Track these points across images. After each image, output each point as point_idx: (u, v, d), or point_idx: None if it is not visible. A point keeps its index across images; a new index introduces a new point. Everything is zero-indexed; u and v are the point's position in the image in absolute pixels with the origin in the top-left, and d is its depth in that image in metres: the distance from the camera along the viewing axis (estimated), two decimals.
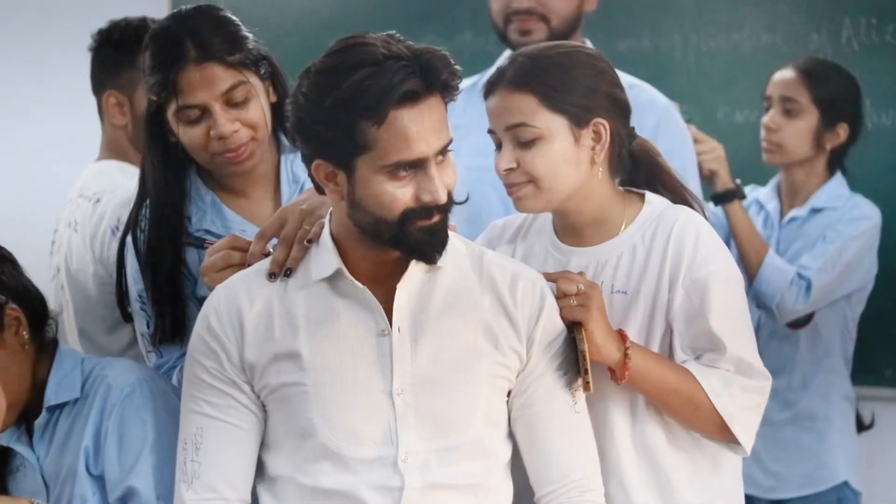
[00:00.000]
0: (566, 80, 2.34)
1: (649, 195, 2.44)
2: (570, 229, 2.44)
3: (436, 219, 2.18)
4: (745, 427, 2.37)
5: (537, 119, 2.33)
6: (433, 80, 2.14)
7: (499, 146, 2.38)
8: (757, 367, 2.39)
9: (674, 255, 2.36)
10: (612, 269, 2.39)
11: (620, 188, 2.45)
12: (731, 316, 2.38)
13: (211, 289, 2.37)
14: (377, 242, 2.20)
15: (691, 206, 2.46)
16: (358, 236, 2.21)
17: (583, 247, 2.42)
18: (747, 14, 4.00)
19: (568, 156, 2.35)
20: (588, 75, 2.37)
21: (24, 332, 2.44)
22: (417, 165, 2.15)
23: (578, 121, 2.34)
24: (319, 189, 2.24)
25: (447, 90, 2.17)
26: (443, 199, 2.17)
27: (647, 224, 2.40)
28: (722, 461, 2.44)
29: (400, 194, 2.15)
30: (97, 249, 3.12)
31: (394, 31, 2.18)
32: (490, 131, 2.39)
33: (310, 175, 2.24)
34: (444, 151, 2.18)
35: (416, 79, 2.12)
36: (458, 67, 2.18)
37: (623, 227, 2.41)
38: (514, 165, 2.34)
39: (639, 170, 2.48)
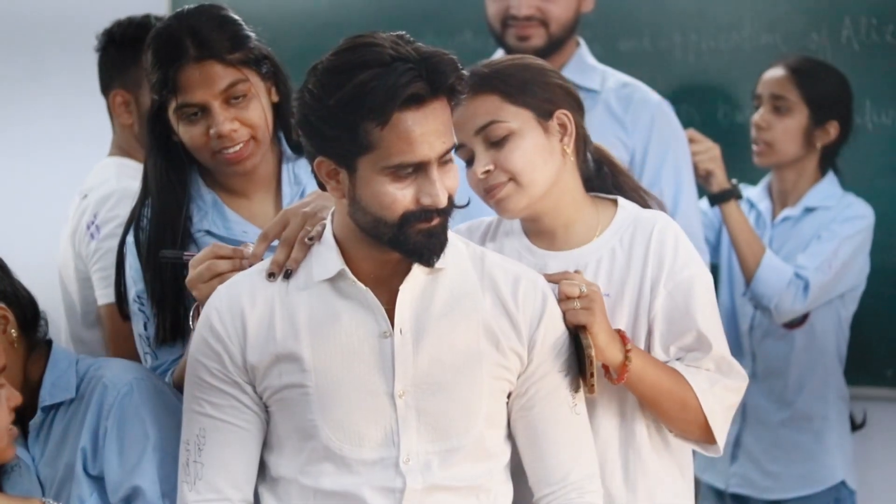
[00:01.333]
0: (524, 78, 2.39)
1: (622, 200, 2.48)
2: (543, 232, 2.46)
3: (435, 222, 2.18)
4: (724, 426, 2.41)
5: (505, 114, 2.37)
6: (439, 84, 2.14)
7: (469, 161, 2.40)
8: (736, 366, 2.42)
9: (655, 258, 2.39)
10: (593, 273, 2.41)
11: (590, 194, 2.48)
12: (713, 316, 2.42)
13: (201, 300, 2.36)
14: (378, 242, 2.20)
15: (650, 207, 2.51)
16: (360, 236, 2.21)
17: (557, 250, 2.44)
18: (747, 14, 4.00)
19: (541, 147, 2.38)
20: (539, 72, 2.43)
21: (13, 331, 2.43)
22: (419, 168, 2.15)
23: (543, 113, 2.39)
24: (321, 186, 2.24)
25: (453, 94, 2.17)
26: (443, 202, 2.17)
27: (624, 228, 2.43)
28: (686, 463, 2.48)
29: (400, 196, 2.15)
30: (76, 245, 3.13)
31: (403, 32, 2.18)
32: (458, 147, 2.39)
33: (312, 171, 2.24)
34: (447, 155, 2.18)
35: (421, 82, 2.12)
36: (465, 72, 2.18)
37: (599, 231, 2.43)
38: (491, 167, 2.37)
39: (601, 174, 2.52)
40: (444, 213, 2.19)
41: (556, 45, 3.45)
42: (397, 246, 2.19)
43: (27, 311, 2.49)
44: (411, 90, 2.11)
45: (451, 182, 2.19)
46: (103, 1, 4.10)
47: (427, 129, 2.14)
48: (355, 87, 2.11)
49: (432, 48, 2.16)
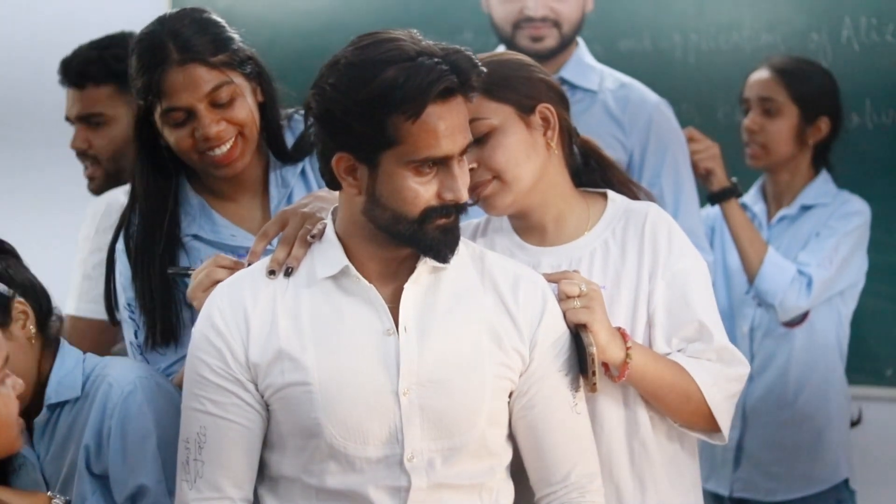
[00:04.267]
0: (503, 75, 2.39)
1: (611, 193, 2.48)
2: (533, 229, 2.46)
3: (452, 218, 2.20)
4: (727, 416, 2.41)
5: (485, 111, 2.36)
6: (464, 79, 2.16)
7: None
8: (737, 354, 2.43)
9: (651, 248, 2.40)
10: (588, 266, 2.42)
11: (579, 189, 2.48)
12: (711, 305, 2.43)
13: (200, 310, 2.34)
14: (390, 240, 2.20)
15: (639, 198, 2.52)
16: (369, 234, 2.22)
17: (548, 246, 2.44)
18: (747, 14, 4.01)
19: (524, 142, 2.39)
20: (519, 67, 2.43)
21: (31, 327, 2.42)
22: (441, 163, 2.17)
23: (524, 108, 2.39)
24: (333, 183, 2.24)
25: (472, 91, 2.19)
26: (465, 197, 2.19)
27: (615, 220, 2.44)
28: (694, 453, 2.48)
29: (423, 191, 2.16)
30: None
31: (415, 30, 2.20)
32: None
33: (322, 170, 2.23)
34: (464, 152, 2.19)
35: (451, 76, 2.13)
36: (483, 69, 2.20)
37: (590, 224, 2.44)
38: (474, 165, 2.36)
39: (589, 167, 2.52)
40: (461, 209, 2.20)
41: (565, 46, 3.47)
42: (414, 242, 2.20)
43: (43, 305, 2.48)
44: (444, 84, 2.13)
45: (467, 178, 2.21)
46: (104, 6, 4.12)
47: (451, 123, 2.15)
48: (386, 80, 2.12)
49: (449, 45, 2.18)
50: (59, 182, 4.11)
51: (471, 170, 2.34)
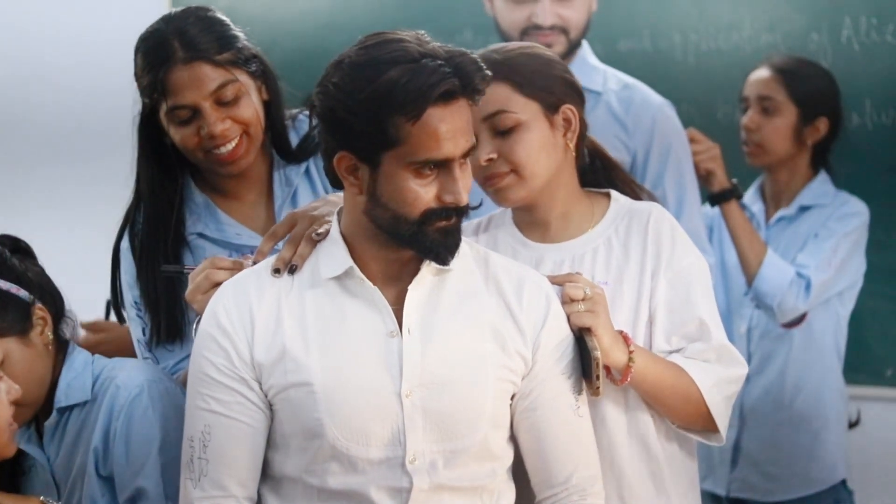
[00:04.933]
0: (533, 69, 2.40)
1: (614, 193, 2.50)
2: (537, 225, 2.47)
3: (453, 221, 2.20)
4: (725, 416, 2.42)
5: (514, 105, 2.37)
6: (467, 83, 2.16)
7: None
8: (735, 353, 2.44)
9: (653, 247, 2.41)
10: (590, 263, 2.43)
11: (583, 189, 2.49)
12: (712, 304, 2.44)
13: (200, 312, 2.34)
14: (391, 241, 2.21)
15: (641, 199, 2.53)
16: (371, 235, 2.22)
17: (551, 243, 2.45)
18: (747, 14, 4.01)
19: (545, 141, 2.39)
20: (547, 64, 2.44)
21: (49, 333, 2.42)
22: (442, 165, 2.17)
23: (549, 106, 2.40)
24: (336, 182, 2.24)
25: (477, 94, 2.19)
26: (464, 200, 2.19)
27: (618, 219, 2.45)
28: (693, 453, 2.50)
29: (423, 192, 2.16)
30: None
31: (423, 32, 2.20)
32: None
33: (325, 168, 2.24)
34: (466, 155, 2.19)
35: (454, 79, 2.14)
36: (488, 72, 2.20)
37: (593, 223, 2.45)
38: (494, 156, 2.37)
39: (594, 167, 2.54)
40: (461, 212, 2.20)
41: (572, 51, 3.47)
42: (414, 244, 2.20)
43: (59, 308, 2.47)
44: (446, 86, 2.13)
45: (468, 181, 2.21)
46: (105, 7, 4.12)
47: (453, 126, 2.15)
48: (388, 81, 2.12)
49: (455, 47, 2.18)
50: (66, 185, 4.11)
51: (489, 160, 2.37)
